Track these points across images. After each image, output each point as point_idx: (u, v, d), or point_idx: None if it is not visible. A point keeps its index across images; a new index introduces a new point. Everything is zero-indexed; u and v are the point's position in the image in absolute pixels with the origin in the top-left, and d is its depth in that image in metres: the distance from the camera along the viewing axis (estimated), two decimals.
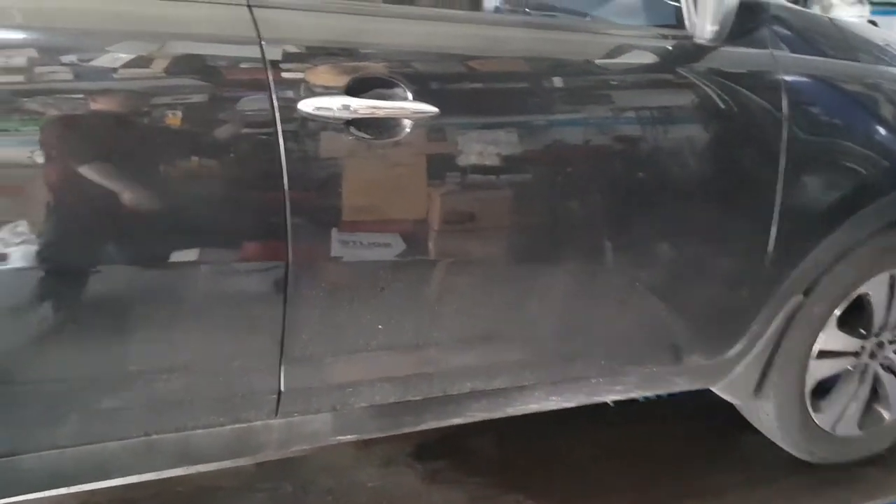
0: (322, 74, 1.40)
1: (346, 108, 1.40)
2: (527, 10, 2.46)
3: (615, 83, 1.70)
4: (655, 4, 1.87)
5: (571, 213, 1.68)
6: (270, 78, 1.35)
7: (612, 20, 2.03)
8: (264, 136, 1.37)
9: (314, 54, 1.41)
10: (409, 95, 1.46)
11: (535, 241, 1.68)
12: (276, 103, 1.36)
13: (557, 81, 1.66)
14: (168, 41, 1.32)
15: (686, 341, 1.92)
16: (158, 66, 1.31)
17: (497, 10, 2.62)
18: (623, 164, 1.67)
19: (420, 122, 1.48)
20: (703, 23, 1.64)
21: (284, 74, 1.37)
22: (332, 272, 1.47)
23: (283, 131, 1.37)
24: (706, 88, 1.70)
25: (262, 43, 1.35)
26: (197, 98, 1.32)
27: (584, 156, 1.66)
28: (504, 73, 1.63)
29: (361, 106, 1.41)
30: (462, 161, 1.53)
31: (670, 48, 1.73)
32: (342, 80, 1.41)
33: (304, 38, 1.42)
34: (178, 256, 1.35)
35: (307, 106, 1.38)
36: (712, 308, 1.88)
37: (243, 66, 1.35)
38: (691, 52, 1.71)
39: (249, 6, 1.36)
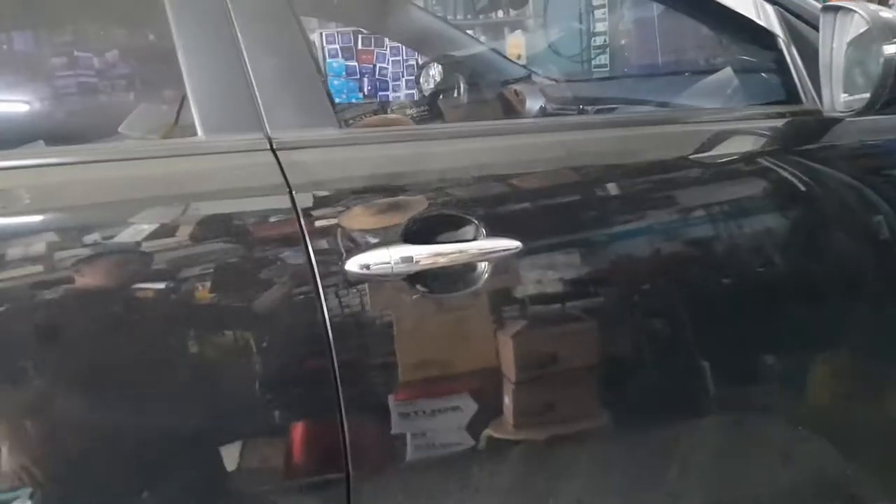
0: (371, 221, 1.09)
1: (408, 260, 1.08)
2: (583, 107, 2.16)
3: (730, 178, 1.36)
4: (758, 80, 1.55)
5: (706, 347, 1.29)
6: (305, 233, 1.05)
7: (699, 105, 1.72)
8: (303, 309, 1.05)
9: (358, 197, 1.10)
10: (483, 231, 1.13)
11: (660, 385, 1.29)
12: (315, 266, 1.05)
13: (658, 185, 1.32)
14: (188, 203, 1.05)
15: (870, 488, 1.47)
16: (183, 233, 1.03)
17: (545, 111, 2.32)
18: (767, 280, 1.30)
19: (500, 262, 1.14)
20: (836, 92, 1.30)
21: (322, 226, 1.07)
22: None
23: (327, 300, 1.05)
24: (850, 170, 1.34)
25: (293, 191, 1.05)
26: (225, 267, 1.03)
27: (711, 271, 1.30)
28: (589, 183, 1.29)
29: (427, 255, 1.09)
30: (551, 295, 1.21)
31: (792, 128, 1.38)
32: (397, 226, 1.09)
33: (344, 178, 1.12)
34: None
35: (355, 265, 1.06)
36: None
37: (273, 221, 1.05)
38: (823, 128, 1.36)
39: (273, 149, 1.08)
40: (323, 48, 3.72)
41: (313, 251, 1.05)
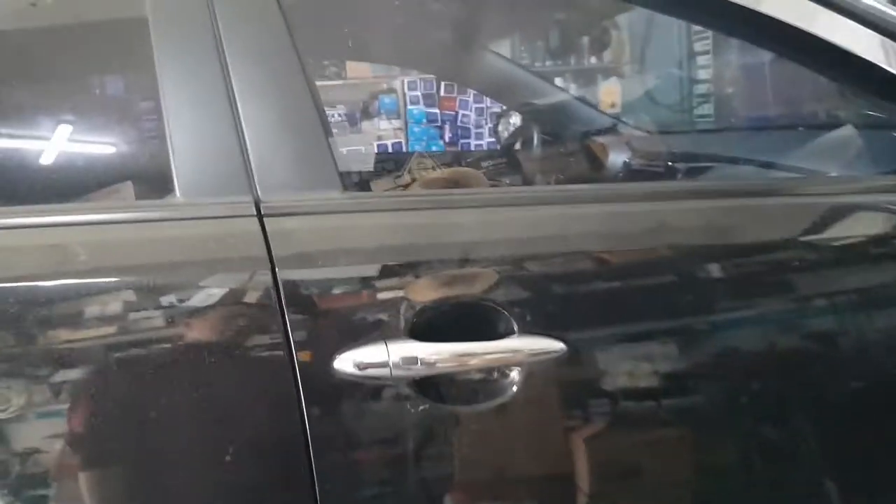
0: (369, 308, 0.87)
1: (412, 361, 0.85)
2: (673, 164, 1.88)
3: (851, 267, 1.05)
4: (889, 142, 1.23)
5: (831, 466, 0.99)
6: (286, 320, 0.84)
7: (813, 167, 1.41)
8: (278, 418, 0.84)
9: (357, 276, 0.88)
10: (516, 326, 0.89)
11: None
12: (295, 362, 0.84)
13: (759, 273, 1.04)
14: (142, 276, 0.85)
15: None
16: (148, 321, 0.83)
17: (629, 167, 2.02)
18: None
19: (538, 367, 0.90)
20: None
21: (307, 311, 0.86)
22: None
23: (308, 407, 0.84)
24: None
25: (275, 267, 0.85)
26: (179, 359, 0.83)
27: (830, 374, 1.00)
28: (665, 269, 1.02)
29: (437, 355, 0.86)
30: (600, 412, 0.95)
31: None
32: (402, 316, 0.87)
33: (341, 252, 0.90)
34: None
35: (346, 363, 0.84)
36: None
37: (247, 302, 0.85)
38: None
39: (260, 215, 0.88)
40: (404, 94, 3.61)
41: (294, 343, 0.84)
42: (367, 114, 3.52)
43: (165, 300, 0.83)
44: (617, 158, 2.01)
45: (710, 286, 1.00)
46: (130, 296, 0.82)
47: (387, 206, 0.95)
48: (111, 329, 0.80)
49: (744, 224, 1.05)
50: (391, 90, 3.64)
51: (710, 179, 1.56)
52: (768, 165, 1.59)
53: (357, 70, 3.45)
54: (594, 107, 2.67)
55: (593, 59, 3.82)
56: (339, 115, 3.30)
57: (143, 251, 0.86)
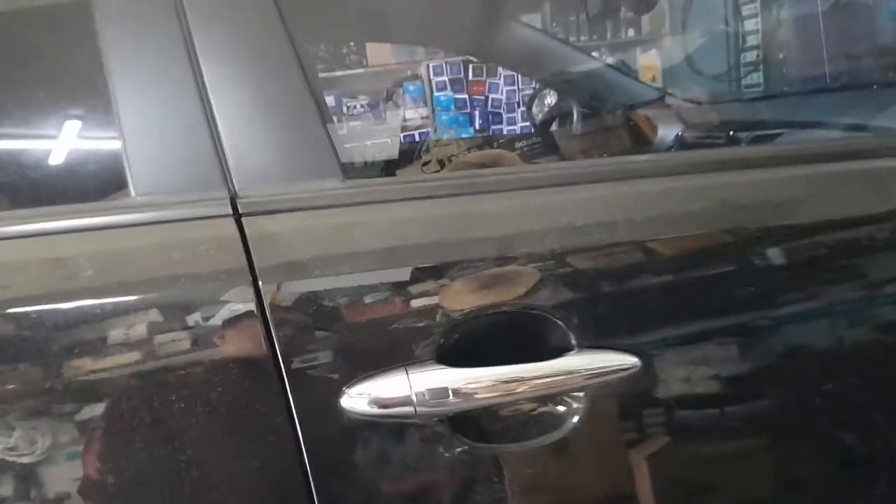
0: (381, 328, 0.67)
1: (442, 394, 0.65)
2: (735, 134, 1.64)
3: None
4: None
5: None
6: (276, 347, 0.65)
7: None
8: (273, 476, 0.65)
9: (362, 286, 0.68)
10: (573, 339, 0.69)
11: None
12: (290, 401, 0.64)
13: (856, 250, 0.81)
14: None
15: None
16: (86, 360, 0.65)
17: (682, 141, 1.78)
18: None
19: (605, 390, 0.69)
20: None
21: (302, 334, 0.66)
22: None
23: (312, 460, 0.65)
24: None
25: (258, 280, 0.66)
26: (149, 412, 0.64)
27: None
28: (754, 253, 0.80)
29: (478, 383, 0.66)
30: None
31: None
32: (426, 336, 0.67)
33: (342, 258, 0.69)
34: None
35: (357, 400, 0.65)
36: None
37: (222, 326, 0.66)
38: None
39: (238, 215, 0.69)
40: (430, 80, 3.41)
41: (287, 378, 0.65)
42: (391, 103, 3.33)
43: (111, 332, 0.63)
44: (667, 132, 1.77)
45: (817, 270, 0.78)
46: (63, 324, 0.63)
47: (400, 194, 0.74)
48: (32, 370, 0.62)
49: (832, 193, 0.83)
50: (415, 77, 3.44)
51: (792, 144, 1.32)
52: (856, 128, 1.35)
53: (379, 55, 3.25)
54: (636, 78, 2.43)
55: (631, 32, 3.57)
56: (362, 105, 3.12)
57: (83, 267, 0.66)
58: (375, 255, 0.69)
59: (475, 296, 0.68)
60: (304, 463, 0.65)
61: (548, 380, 0.68)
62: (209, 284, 0.66)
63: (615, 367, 0.69)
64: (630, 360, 0.70)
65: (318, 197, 0.71)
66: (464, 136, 3.24)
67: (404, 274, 0.68)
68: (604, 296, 0.71)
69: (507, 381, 0.67)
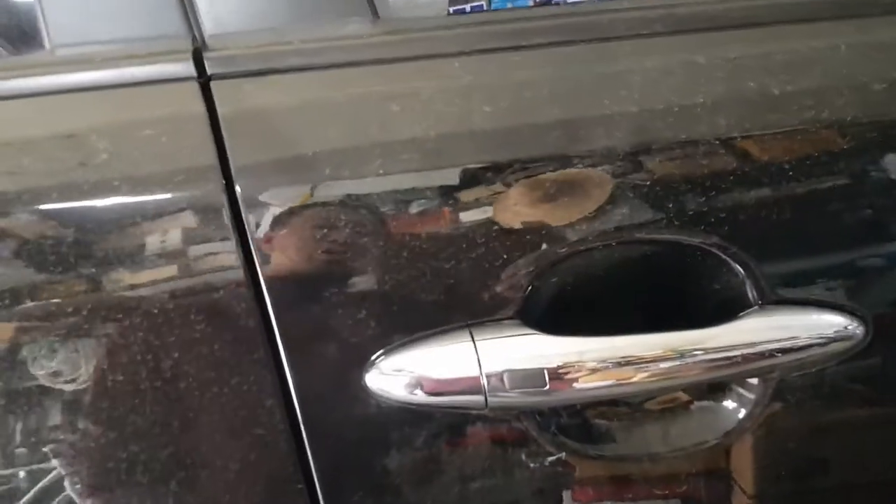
0: (430, 267, 0.41)
1: (534, 379, 0.39)
2: None
3: None
4: None
5: None
6: (265, 296, 0.40)
7: None
8: (257, 486, 0.42)
9: (408, 197, 0.41)
10: (753, 291, 0.40)
11: None
12: (289, 379, 0.40)
13: None
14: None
15: None
16: None
17: None
18: None
19: (804, 371, 0.41)
20: None
21: (297, 283, 0.41)
22: None
23: (319, 469, 0.41)
24: None
25: (235, 185, 0.40)
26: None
27: None
28: None
29: (599, 358, 0.39)
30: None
31: None
32: (503, 282, 0.40)
33: (363, 150, 0.41)
34: None
35: (389, 378, 0.40)
36: None
37: (181, 261, 0.41)
38: None
39: (203, 79, 0.42)
40: None
41: (283, 340, 0.40)
42: None
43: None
44: None
45: None
46: None
47: (470, 43, 0.45)
48: None
49: None
50: None
51: None
52: None
53: None
54: None
55: None
56: None
57: None
58: (426, 145, 0.42)
59: (583, 219, 0.41)
60: (311, 474, 0.42)
61: (712, 357, 0.40)
62: (154, 189, 0.41)
63: (826, 337, 0.41)
64: (851, 326, 0.41)
65: (332, 48, 0.44)
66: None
67: (471, 177, 0.41)
68: (814, 217, 0.42)
69: (648, 359, 0.40)
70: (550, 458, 0.42)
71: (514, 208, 0.40)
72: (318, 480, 0.42)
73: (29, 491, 0.43)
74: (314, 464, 0.42)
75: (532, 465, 0.42)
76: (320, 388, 0.41)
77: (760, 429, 0.43)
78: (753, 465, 0.44)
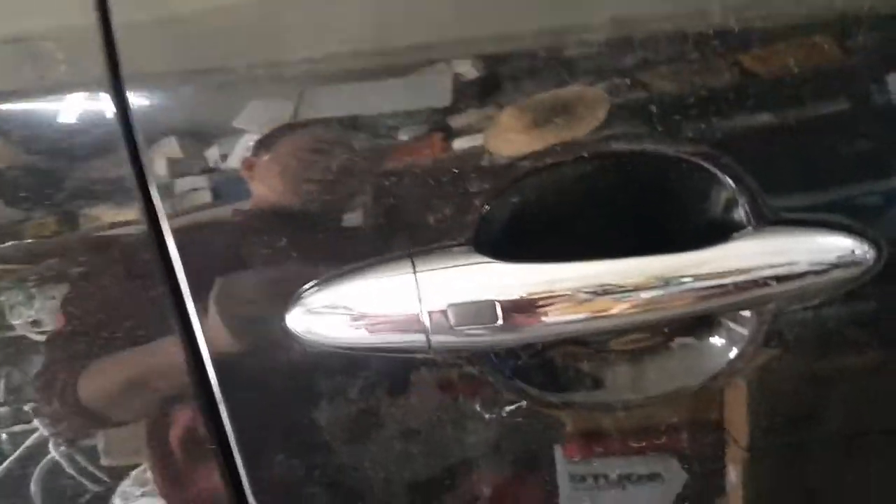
0: (365, 187, 0.34)
1: (485, 314, 0.33)
2: None
3: None
4: None
5: None
6: (163, 224, 0.33)
7: None
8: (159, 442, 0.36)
9: (342, 114, 0.34)
10: (747, 209, 0.34)
11: None
12: (194, 330, 0.34)
13: None
14: None
15: None
16: None
17: None
18: None
19: (801, 301, 0.35)
20: None
21: (197, 208, 0.34)
22: None
23: (236, 425, 0.35)
24: None
25: (125, 90, 0.33)
26: None
27: None
28: None
29: (567, 287, 0.33)
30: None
31: None
32: (454, 202, 0.34)
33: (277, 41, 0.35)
34: None
35: (316, 318, 0.33)
36: None
37: (70, 181, 0.35)
38: None
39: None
40: None
41: (187, 274, 0.34)
42: None
43: None
44: None
45: None
46: None
47: None
48: None
49: None
50: None
51: None
52: None
53: None
54: None
55: None
56: None
57: None
58: (361, 30, 0.35)
59: (552, 129, 0.34)
60: (220, 426, 0.36)
61: (705, 283, 0.34)
62: (32, 97, 0.34)
63: (830, 262, 0.35)
64: (860, 251, 0.35)
65: None
66: None
67: (409, 71, 0.34)
68: (821, 123, 0.35)
69: (620, 288, 0.34)
70: (509, 409, 0.36)
71: (467, 113, 0.34)
72: (236, 441, 0.36)
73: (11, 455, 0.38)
74: (230, 422, 0.35)
75: (488, 416, 0.36)
76: (233, 331, 0.34)
77: (757, 372, 0.37)
78: (749, 414, 0.38)
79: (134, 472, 0.39)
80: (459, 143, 0.34)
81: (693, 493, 0.40)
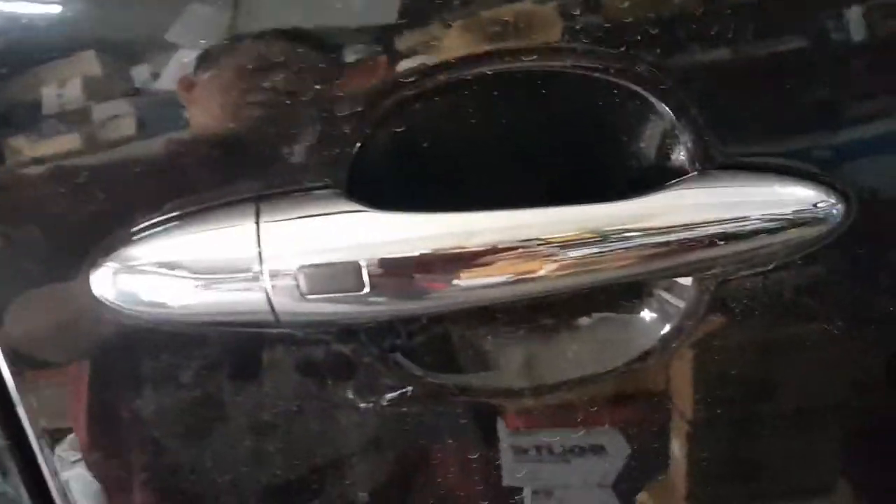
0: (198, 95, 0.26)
1: (348, 276, 0.25)
2: None
3: None
4: None
5: None
6: None
7: None
8: None
9: None
10: (689, 145, 0.27)
11: None
12: None
13: None
14: None
15: None
16: None
17: None
18: None
19: (754, 267, 0.28)
20: None
21: None
22: None
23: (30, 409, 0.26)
24: None
25: None
26: None
27: None
28: None
29: (439, 247, 0.25)
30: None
31: None
32: (324, 142, 0.26)
33: None
34: None
35: (124, 278, 0.25)
36: None
37: None
38: None
39: None
40: None
41: None
42: None
43: None
44: None
45: None
46: None
47: None
48: None
49: None
50: None
51: None
52: None
53: None
54: None
55: None
56: None
57: None
58: None
59: (449, 22, 0.26)
60: (14, 416, 0.28)
61: (632, 242, 0.26)
62: None
63: (788, 217, 0.28)
64: (825, 203, 0.28)
65: None
66: None
67: None
68: (785, 43, 0.28)
69: (533, 246, 0.26)
70: (391, 396, 0.29)
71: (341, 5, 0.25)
72: (35, 434, 0.28)
73: None
74: (26, 413, 0.27)
75: (363, 405, 0.29)
76: (21, 298, 0.26)
77: (702, 343, 0.30)
78: (694, 386, 0.31)
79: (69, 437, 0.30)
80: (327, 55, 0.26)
81: (636, 466, 0.34)
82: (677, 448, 0.34)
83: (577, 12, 0.25)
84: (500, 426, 0.31)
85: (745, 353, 0.31)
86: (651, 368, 0.31)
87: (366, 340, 0.28)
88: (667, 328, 0.29)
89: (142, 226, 0.26)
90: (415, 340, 0.29)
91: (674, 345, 0.29)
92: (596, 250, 0.25)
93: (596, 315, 0.29)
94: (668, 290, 0.29)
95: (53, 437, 0.28)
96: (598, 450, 0.35)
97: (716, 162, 0.28)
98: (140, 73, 0.25)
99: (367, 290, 0.25)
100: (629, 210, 0.26)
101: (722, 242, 0.27)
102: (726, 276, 0.29)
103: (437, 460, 0.31)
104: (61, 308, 0.27)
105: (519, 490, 0.32)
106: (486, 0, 0.25)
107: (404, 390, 0.29)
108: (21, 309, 0.27)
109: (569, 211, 0.25)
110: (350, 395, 0.29)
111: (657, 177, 0.28)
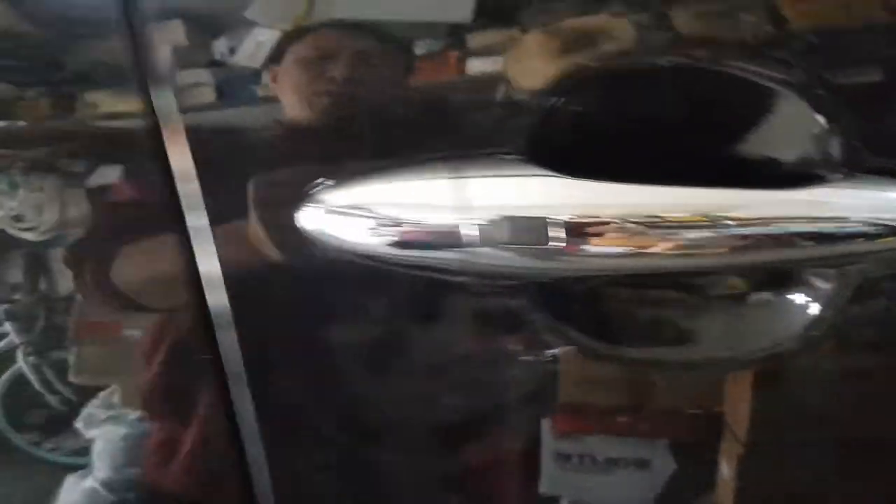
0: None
1: (535, 232, 0.28)
2: None
3: None
4: None
5: None
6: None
7: None
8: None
9: None
10: (839, 153, 0.29)
11: None
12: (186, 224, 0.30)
13: None
14: None
15: None
16: None
17: None
18: None
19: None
20: None
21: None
22: None
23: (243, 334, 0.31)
24: None
25: None
26: None
27: None
28: None
29: (623, 214, 0.29)
30: None
31: None
32: (513, 112, 0.30)
33: None
34: None
35: (334, 224, 0.29)
36: None
37: None
38: None
39: None
40: None
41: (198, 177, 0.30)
42: None
43: None
44: None
45: None
46: None
47: None
48: None
49: None
50: None
51: None
52: None
53: None
54: None
55: None
56: None
57: None
58: None
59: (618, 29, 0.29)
60: (213, 339, 0.31)
61: (798, 228, 0.29)
62: None
63: None
64: None
65: None
66: None
67: None
68: None
69: (713, 221, 0.28)
70: (549, 353, 0.31)
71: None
72: (243, 358, 0.31)
73: None
74: (238, 336, 0.31)
75: (523, 359, 0.31)
76: (242, 236, 0.30)
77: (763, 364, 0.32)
78: (752, 408, 0.33)
79: (102, 394, 0.34)
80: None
81: (681, 486, 0.35)
82: (726, 470, 0.35)
83: (756, 18, 0.29)
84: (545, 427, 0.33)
85: (810, 378, 0.33)
86: (712, 385, 0.32)
87: (537, 298, 0.30)
88: (815, 311, 0.31)
89: (345, 175, 0.29)
90: (575, 307, 0.31)
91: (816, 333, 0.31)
92: (772, 230, 0.28)
93: (752, 297, 0.31)
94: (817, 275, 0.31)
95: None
96: (643, 464, 0.37)
97: (863, 167, 0.30)
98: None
99: (549, 245, 0.28)
100: (796, 199, 0.28)
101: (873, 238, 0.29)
102: (868, 274, 0.31)
103: None
104: (274, 244, 0.30)
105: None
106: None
107: (562, 351, 0.31)
108: (241, 246, 0.30)
109: (748, 195, 0.28)
110: (513, 347, 0.31)
111: (803, 178, 0.31)
